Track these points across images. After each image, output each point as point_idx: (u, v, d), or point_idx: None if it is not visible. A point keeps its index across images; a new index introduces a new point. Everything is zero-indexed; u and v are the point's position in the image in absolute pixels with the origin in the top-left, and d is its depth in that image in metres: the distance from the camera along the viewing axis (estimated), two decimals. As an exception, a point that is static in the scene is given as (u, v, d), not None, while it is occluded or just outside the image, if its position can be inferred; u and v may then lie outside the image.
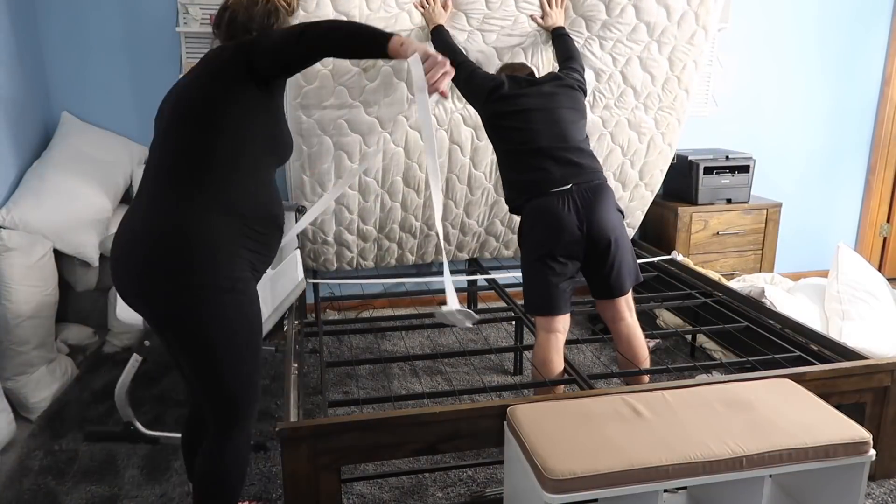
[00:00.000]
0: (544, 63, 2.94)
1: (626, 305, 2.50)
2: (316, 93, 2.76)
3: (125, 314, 2.45)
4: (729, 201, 3.91)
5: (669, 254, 3.66)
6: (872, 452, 1.85)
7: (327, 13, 2.59)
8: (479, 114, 2.60)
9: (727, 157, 3.89)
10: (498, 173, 3.33)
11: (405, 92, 2.86)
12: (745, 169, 3.90)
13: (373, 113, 2.90)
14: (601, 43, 2.95)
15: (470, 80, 2.56)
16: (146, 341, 2.41)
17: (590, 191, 2.35)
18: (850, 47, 4.32)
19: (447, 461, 2.49)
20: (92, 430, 2.69)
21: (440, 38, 2.68)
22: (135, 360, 2.47)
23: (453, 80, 2.65)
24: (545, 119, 2.42)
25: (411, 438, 1.99)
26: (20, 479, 2.41)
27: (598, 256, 2.38)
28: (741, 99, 4.23)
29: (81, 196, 3.16)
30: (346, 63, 2.71)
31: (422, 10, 2.69)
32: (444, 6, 2.70)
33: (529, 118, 2.41)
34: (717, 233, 3.88)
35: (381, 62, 2.73)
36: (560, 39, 2.79)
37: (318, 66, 2.68)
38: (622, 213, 2.48)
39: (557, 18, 2.81)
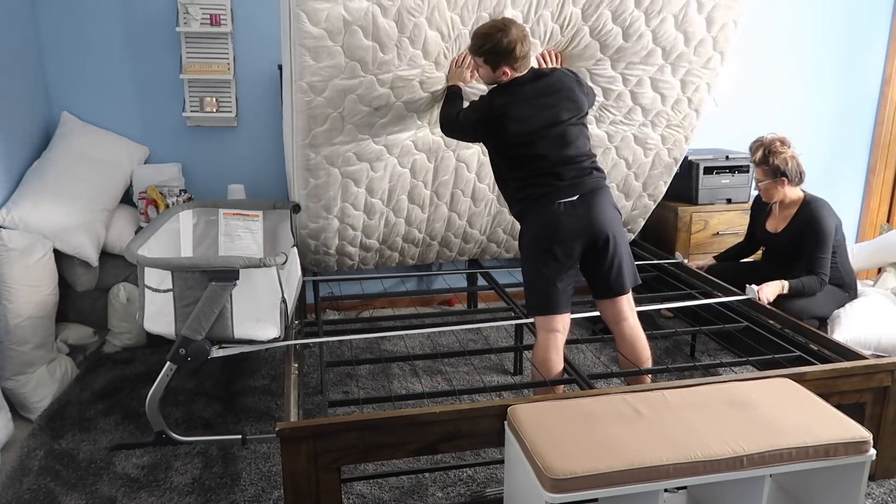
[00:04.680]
0: None
1: (629, 305, 2.49)
2: (326, 134, 2.69)
3: (150, 324, 2.43)
4: (729, 201, 3.91)
5: (673, 256, 3.65)
6: (872, 452, 1.85)
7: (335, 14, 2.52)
8: (484, 144, 2.53)
9: (727, 157, 3.88)
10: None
11: (414, 119, 2.83)
12: (745, 169, 3.89)
13: (380, 142, 2.85)
14: (613, 64, 2.85)
15: (465, 120, 2.49)
16: (181, 349, 2.31)
17: (589, 192, 2.36)
18: (850, 47, 4.32)
19: (447, 461, 2.50)
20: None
21: (453, 92, 2.65)
22: (168, 368, 2.37)
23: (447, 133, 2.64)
24: (551, 141, 2.36)
25: (411, 438, 1.99)
26: (20, 479, 2.41)
27: (596, 253, 2.38)
28: (741, 99, 4.23)
29: (81, 196, 3.16)
30: (358, 104, 2.62)
31: (454, 66, 2.65)
32: (471, 74, 2.66)
33: (534, 144, 2.36)
34: (717, 233, 3.88)
35: (392, 99, 2.66)
36: None
37: (329, 109, 2.58)
38: (619, 211, 2.48)
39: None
